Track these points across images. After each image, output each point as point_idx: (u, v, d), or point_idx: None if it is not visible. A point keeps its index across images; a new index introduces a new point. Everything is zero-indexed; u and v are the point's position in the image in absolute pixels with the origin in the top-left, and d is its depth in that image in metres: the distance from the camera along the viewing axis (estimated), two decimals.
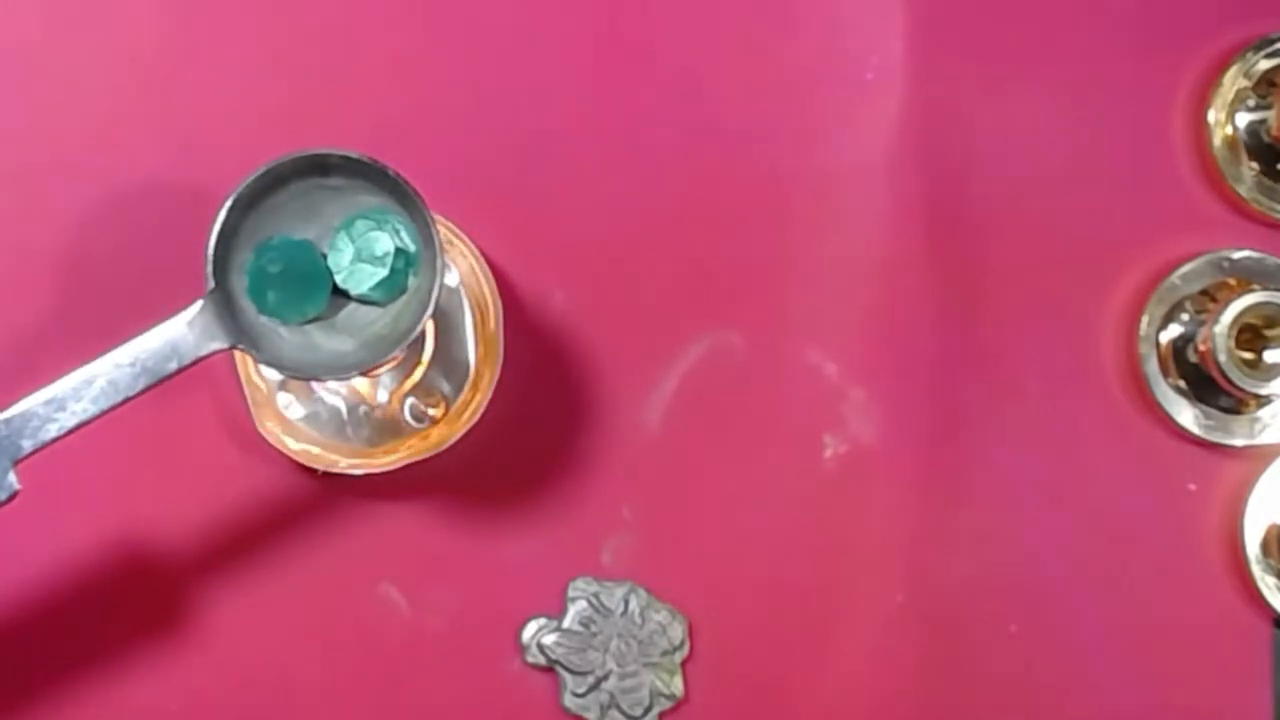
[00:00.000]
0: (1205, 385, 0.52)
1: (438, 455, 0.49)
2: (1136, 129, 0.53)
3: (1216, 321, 0.51)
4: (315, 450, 0.49)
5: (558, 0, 0.52)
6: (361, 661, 0.52)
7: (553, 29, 0.52)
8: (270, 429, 0.49)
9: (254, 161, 0.42)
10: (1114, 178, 0.53)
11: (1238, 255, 0.53)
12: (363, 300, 0.44)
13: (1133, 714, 0.53)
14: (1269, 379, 0.51)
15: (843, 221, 0.53)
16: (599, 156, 0.52)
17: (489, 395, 0.49)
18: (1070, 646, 0.53)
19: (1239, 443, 0.53)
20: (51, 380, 0.43)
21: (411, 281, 0.43)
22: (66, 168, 0.51)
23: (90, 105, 0.51)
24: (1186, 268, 0.53)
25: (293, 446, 0.49)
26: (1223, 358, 0.51)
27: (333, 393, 0.50)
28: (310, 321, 0.44)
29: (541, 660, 0.52)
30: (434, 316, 0.46)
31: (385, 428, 0.49)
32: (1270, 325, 0.52)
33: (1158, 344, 0.53)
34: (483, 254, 0.50)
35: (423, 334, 0.48)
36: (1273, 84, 0.53)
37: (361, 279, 0.43)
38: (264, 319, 0.43)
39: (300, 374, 0.44)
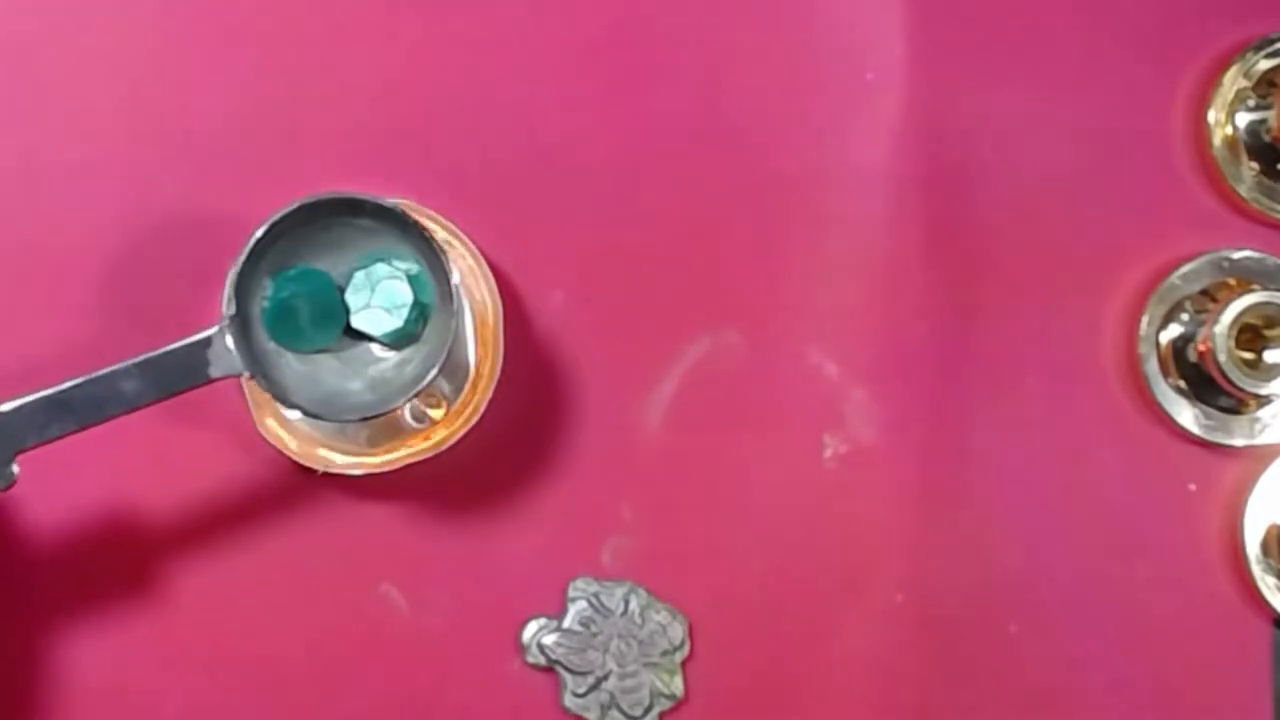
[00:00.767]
0: (1205, 385, 0.52)
1: (438, 455, 0.49)
2: (1136, 129, 0.53)
3: (1216, 321, 0.51)
4: (315, 450, 0.49)
5: (558, 2, 0.52)
6: (362, 661, 0.52)
7: (553, 30, 0.52)
8: (270, 429, 0.49)
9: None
10: (1114, 178, 0.53)
11: (1238, 255, 0.53)
12: (372, 340, 0.44)
13: (1133, 714, 0.53)
14: (1269, 379, 0.51)
15: (843, 221, 0.53)
16: (599, 157, 0.52)
17: (489, 395, 0.49)
18: (1070, 646, 0.53)
19: (1239, 443, 0.53)
20: (62, 381, 0.43)
21: (423, 330, 0.44)
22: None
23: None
24: (1186, 268, 0.53)
25: (293, 446, 0.49)
26: (1223, 358, 0.51)
27: None
28: (318, 351, 0.44)
29: (541, 660, 0.52)
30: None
31: (385, 428, 0.49)
32: (1270, 325, 0.52)
33: (1158, 344, 0.53)
34: (483, 254, 0.50)
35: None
36: (1273, 84, 0.53)
37: (376, 323, 0.44)
38: (274, 346, 0.44)
39: (305, 410, 0.44)
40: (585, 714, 0.52)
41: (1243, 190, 0.53)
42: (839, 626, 0.53)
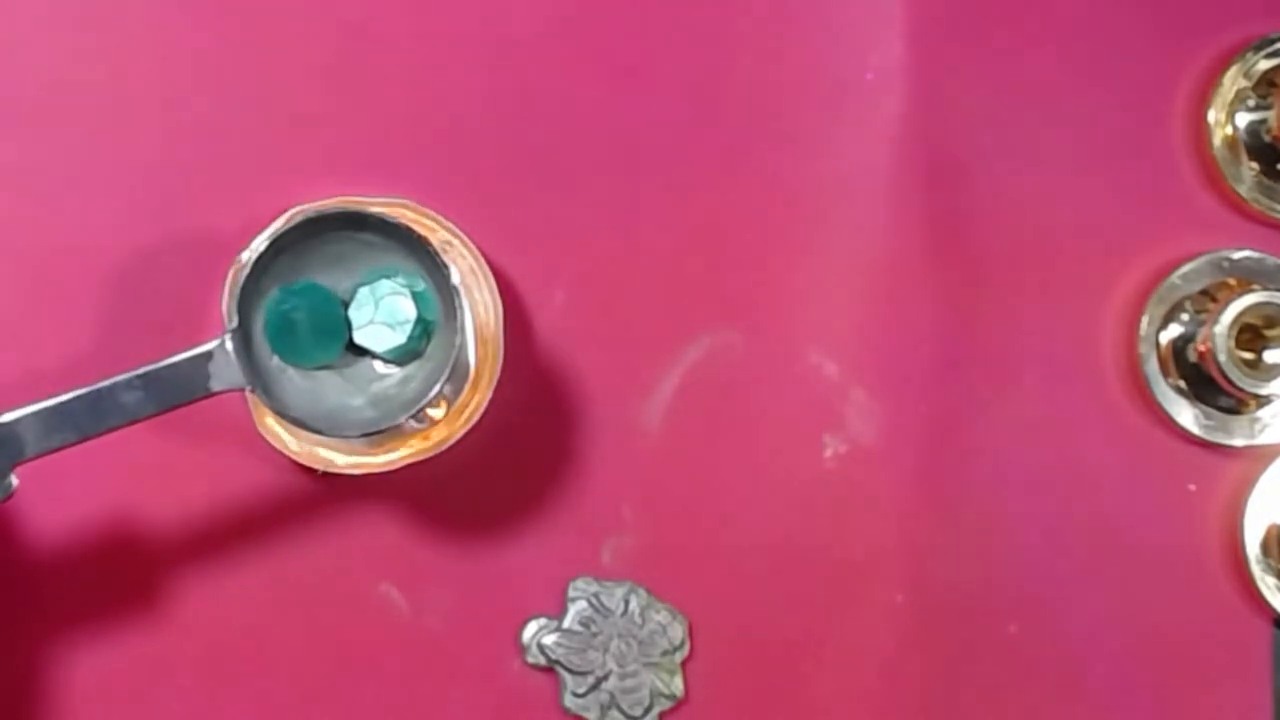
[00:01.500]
0: (1205, 385, 0.52)
1: (438, 455, 0.49)
2: (1136, 129, 0.53)
3: (1216, 321, 0.51)
4: (315, 450, 0.49)
5: (559, 3, 0.52)
6: (362, 662, 0.52)
7: (554, 31, 0.52)
8: (270, 429, 0.49)
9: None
10: (1114, 177, 0.53)
11: (1238, 255, 0.53)
12: (375, 356, 0.44)
13: (1133, 714, 0.53)
14: (1269, 379, 0.51)
15: (843, 221, 0.53)
16: (599, 157, 0.52)
17: (489, 395, 0.49)
18: (1070, 646, 0.53)
19: (1239, 443, 0.53)
20: (61, 391, 0.43)
21: (426, 347, 0.44)
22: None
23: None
24: (1186, 268, 0.53)
25: (293, 447, 0.49)
26: (1223, 358, 0.51)
27: None
28: (321, 368, 0.44)
29: (542, 660, 0.52)
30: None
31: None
32: (1270, 325, 0.52)
33: (1158, 344, 0.53)
34: (483, 254, 0.50)
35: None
36: (1273, 84, 0.53)
37: (379, 339, 0.44)
38: (276, 360, 0.44)
39: (306, 425, 0.44)
40: (585, 714, 0.52)
41: (1243, 190, 0.53)
42: (839, 626, 0.53)
